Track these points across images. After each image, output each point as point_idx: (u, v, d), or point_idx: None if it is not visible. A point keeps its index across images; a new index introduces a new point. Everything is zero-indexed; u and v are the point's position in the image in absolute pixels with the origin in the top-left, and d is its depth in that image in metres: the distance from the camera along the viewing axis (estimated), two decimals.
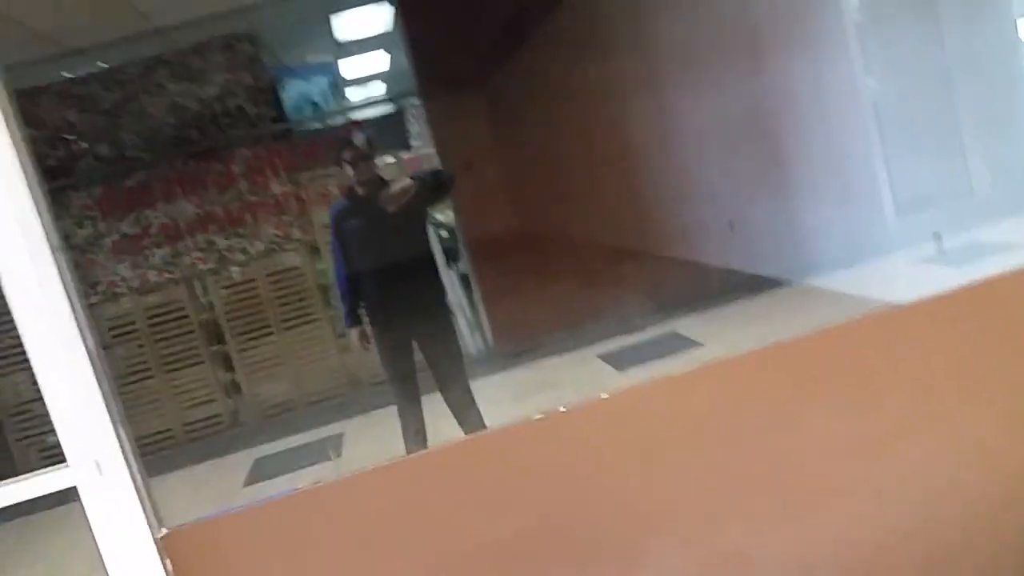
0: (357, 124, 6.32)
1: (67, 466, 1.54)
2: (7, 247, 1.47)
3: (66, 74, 5.57)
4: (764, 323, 5.31)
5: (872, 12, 5.90)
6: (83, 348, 1.51)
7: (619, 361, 5.25)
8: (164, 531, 1.58)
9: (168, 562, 1.57)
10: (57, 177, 5.56)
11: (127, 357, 5.87)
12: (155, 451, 5.82)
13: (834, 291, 5.59)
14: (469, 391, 3.80)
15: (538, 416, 1.72)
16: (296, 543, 1.67)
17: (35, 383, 5.35)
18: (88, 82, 5.62)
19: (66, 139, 5.58)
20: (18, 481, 1.53)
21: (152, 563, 1.56)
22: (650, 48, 6.43)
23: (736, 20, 5.71)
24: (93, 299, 5.70)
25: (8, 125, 1.49)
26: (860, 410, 1.85)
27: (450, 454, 1.79)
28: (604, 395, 1.77)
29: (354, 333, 3.78)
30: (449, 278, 6.59)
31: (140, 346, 5.81)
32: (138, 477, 1.57)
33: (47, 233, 1.49)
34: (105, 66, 5.61)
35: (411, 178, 3.46)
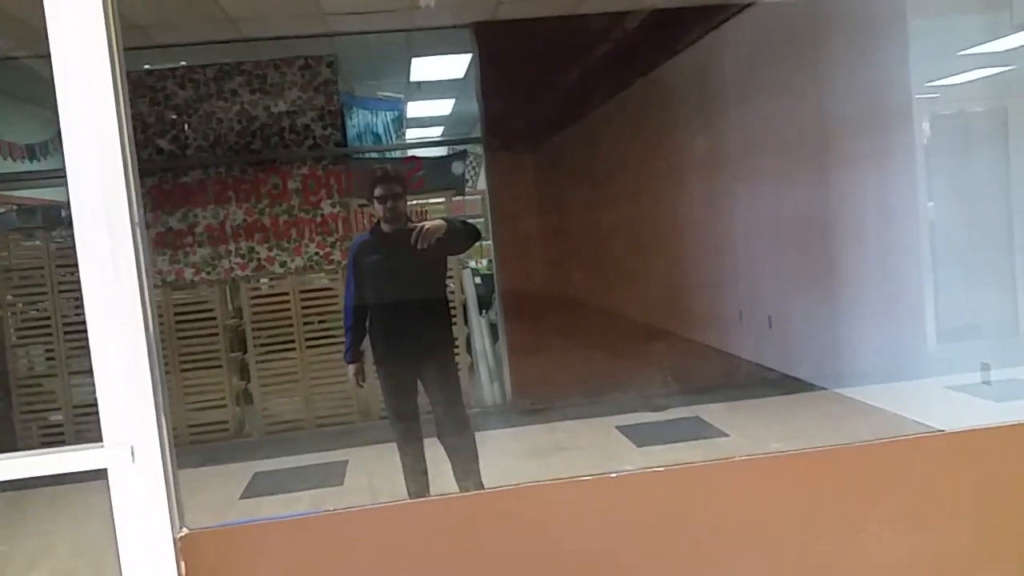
0: (414, 160, 6.39)
1: (101, 446, 1.48)
2: (90, 215, 1.45)
3: (147, 65, 5.71)
4: (791, 423, 5.20)
5: (943, 138, 5.92)
6: (143, 328, 1.47)
7: (638, 436, 5.13)
8: (184, 531, 1.52)
9: (183, 564, 1.50)
10: None
11: None
12: None
13: (865, 403, 5.47)
14: (472, 439, 3.79)
15: (569, 479, 1.64)
16: (316, 565, 1.60)
17: (50, 358, 5.37)
18: (165, 77, 5.74)
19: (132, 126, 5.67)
20: (49, 454, 1.47)
21: (167, 562, 1.49)
22: (714, 136, 6.47)
23: (807, 122, 5.73)
24: None
25: (119, 99, 1.50)
26: (895, 534, 1.75)
27: (493, 499, 1.72)
28: (633, 470, 1.69)
29: (351, 369, 3.80)
30: (479, 325, 6.55)
31: (162, 340, 5.78)
32: (170, 472, 1.52)
33: (131, 206, 1.48)
34: (183, 64, 5.74)
35: (443, 220, 3.53)
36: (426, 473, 3.80)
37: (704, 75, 6.43)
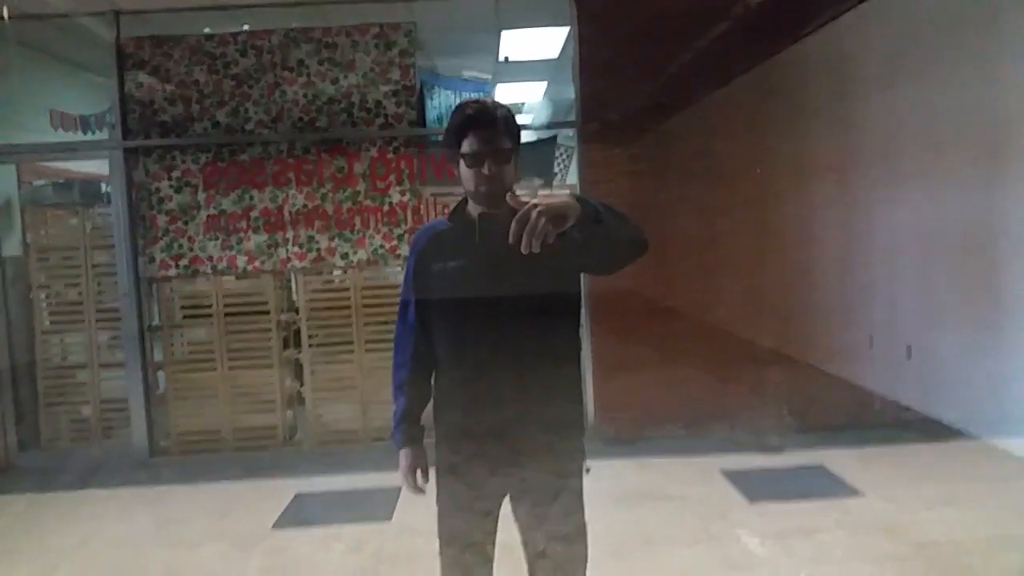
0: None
1: None
2: None
3: (207, 29, 5.16)
4: (941, 483, 4.19)
5: None
6: None
7: (749, 487, 4.21)
8: None
9: None
10: (167, 135, 5.12)
11: (193, 342, 5.32)
12: (197, 451, 5.21)
13: None
14: None
15: None
16: None
17: (89, 346, 4.78)
18: (227, 42, 5.17)
19: (187, 97, 5.14)
20: None
21: None
22: (853, 130, 5.47)
23: (975, 113, 4.68)
24: (172, 271, 5.19)
25: None
26: None
27: None
28: None
29: (403, 456, 2.10)
30: None
31: (207, 334, 5.24)
32: None
33: None
34: (246, 28, 5.16)
35: (574, 198, 1.60)
36: None
37: (847, 57, 5.43)
